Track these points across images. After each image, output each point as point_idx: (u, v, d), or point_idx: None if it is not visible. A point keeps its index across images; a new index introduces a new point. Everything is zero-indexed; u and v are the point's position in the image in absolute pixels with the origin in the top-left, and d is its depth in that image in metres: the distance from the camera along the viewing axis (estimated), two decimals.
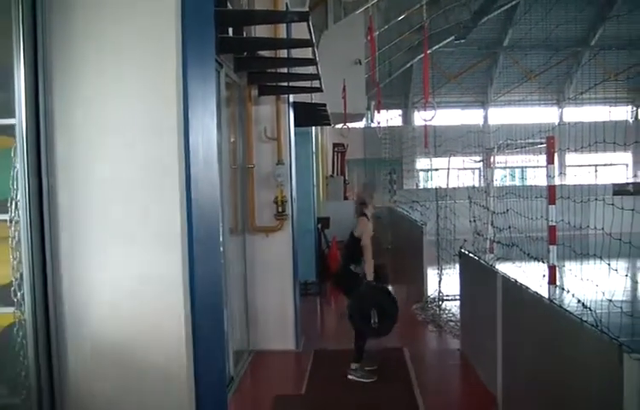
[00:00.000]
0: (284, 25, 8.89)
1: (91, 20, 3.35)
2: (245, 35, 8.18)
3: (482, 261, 8.27)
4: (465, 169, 19.66)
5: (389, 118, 33.20)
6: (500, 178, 21.27)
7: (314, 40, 6.97)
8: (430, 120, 12.73)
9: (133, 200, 3.37)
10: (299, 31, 7.52)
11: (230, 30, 7.47)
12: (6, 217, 3.29)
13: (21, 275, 3.28)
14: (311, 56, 7.72)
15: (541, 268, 8.39)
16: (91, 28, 3.35)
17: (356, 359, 8.00)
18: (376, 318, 7.86)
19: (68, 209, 3.36)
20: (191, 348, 3.42)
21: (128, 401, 3.40)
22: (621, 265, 6.26)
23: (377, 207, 8.54)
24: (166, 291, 3.36)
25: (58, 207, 3.36)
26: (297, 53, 8.70)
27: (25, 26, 3.25)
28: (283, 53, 8.86)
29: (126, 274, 3.38)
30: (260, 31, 8.71)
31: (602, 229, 5.75)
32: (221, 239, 7.02)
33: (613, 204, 5.99)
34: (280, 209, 9.04)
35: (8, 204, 3.29)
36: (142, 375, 3.40)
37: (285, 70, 8.96)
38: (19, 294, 3.28)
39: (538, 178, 21.28)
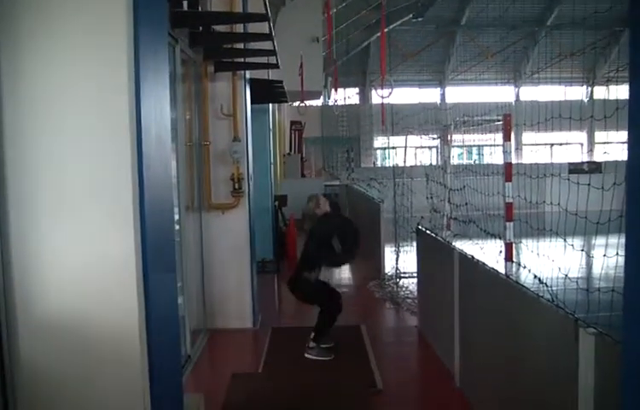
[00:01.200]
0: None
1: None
2: (200, 9, 8.05)
3: (439, 238, 8.28)
4: (422, 147, 19.76)
5: (347, 96, 33.20)
6: (457, 155, 21.39)
7: (270, 14, 6.88)
8: (387, 97, 12.72)
9: (83, 177, 3.29)
10: (256, 5, 7.42)
11: (185, 4, 7.33)
12: None
13: None
14: (267, 31, 7.62)
15: (498, 245, 8.44)
16: (37, 5, 3.24)
17: (314, 338, 7.95)
18: (339, 243, 7.85)
19: (17, 188, 3.27)
20: (144, 325, 3.38)
21: (81, 380, 3.35)
22: (577, 242, 6.29)
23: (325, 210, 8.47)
24: (118, 268, 3.31)
25: (7, 185, 3.26)
26: (253, 28, 8.59)
27: None
28: (240, 28, 8.74)
29: (78, 252, 3.31)
30: (216, 5, 8.58)
31: (559, 204, 5.77)
32: (177, 217, 6.92)
33: (569, 179, 6.02)
34: (236, 186, 8.93)
35: None
36: (95, 353, 3.34)
37: (241, 46, 8.85)
38: None
39: (494, 156, 21.50)
